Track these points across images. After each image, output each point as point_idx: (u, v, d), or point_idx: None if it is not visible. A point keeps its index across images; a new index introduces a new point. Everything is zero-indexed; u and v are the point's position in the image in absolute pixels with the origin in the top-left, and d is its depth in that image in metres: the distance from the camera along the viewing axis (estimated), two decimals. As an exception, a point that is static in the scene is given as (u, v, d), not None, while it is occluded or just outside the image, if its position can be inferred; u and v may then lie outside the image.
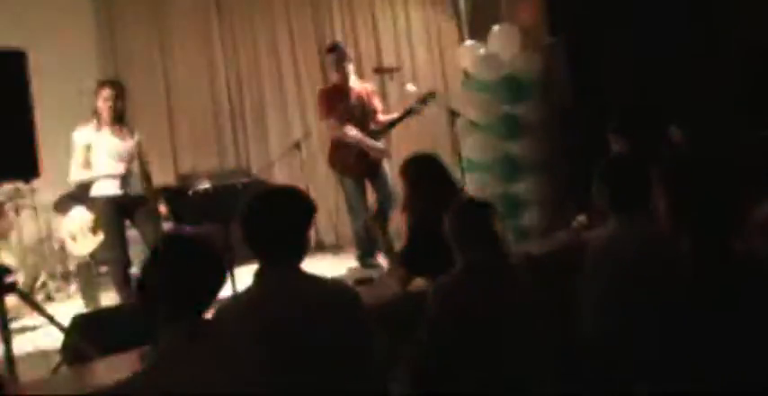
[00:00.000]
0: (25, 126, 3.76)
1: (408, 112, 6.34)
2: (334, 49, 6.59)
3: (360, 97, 6.47)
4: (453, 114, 6.14)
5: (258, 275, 2.64)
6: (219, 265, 2.36)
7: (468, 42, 7.70)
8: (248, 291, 2.64)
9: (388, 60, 8.93)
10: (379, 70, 7.59)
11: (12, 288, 3.87)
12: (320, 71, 8.69)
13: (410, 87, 6.63)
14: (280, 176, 8.41)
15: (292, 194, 2.76)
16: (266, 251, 2.62)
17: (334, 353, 2.55)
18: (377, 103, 6.61)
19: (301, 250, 2.67)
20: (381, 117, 6.54)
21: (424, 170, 4.06)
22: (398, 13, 9.13)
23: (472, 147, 7.05)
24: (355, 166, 6.39)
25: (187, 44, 8.73)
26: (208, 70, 8.82)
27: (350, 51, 6.80)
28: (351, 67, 6.50)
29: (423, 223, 3.81)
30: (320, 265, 6.44)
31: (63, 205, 6.79)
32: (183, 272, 2.29)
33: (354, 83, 6.52)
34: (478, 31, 7.80)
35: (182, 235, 2.51)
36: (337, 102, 6.37)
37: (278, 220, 2.62)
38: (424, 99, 6.26)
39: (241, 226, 2.65)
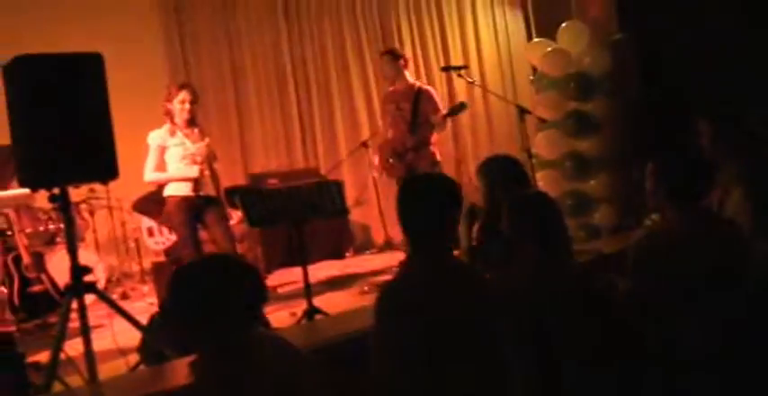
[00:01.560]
0: (103, 128, 3.84)
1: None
2: (381, 55, 6.94)
3: (410, 100, 6.63)
4: (522, 112, 6.09)
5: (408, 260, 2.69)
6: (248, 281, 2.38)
7: (537, 39, 7.64)
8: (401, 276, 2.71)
9: (456, 58, 8.92)
10: (447, 68, 7.61)
11: (91, 287, 3.95)
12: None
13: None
14: (348, 176, 8.46)
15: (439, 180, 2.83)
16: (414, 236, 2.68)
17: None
18: (430, 105, 6.67)
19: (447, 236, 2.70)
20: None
21: (501, 171, 4.04)
22: (465, 11, 9.10)
23: (542, 144, 7.00)
24: (393, 168, 6.71)
25: (256, 48, 8.83)
26: (276, 72, 8.90)
27: (407, 52, 6.95)
28: (400, 71, 6.72)
29: (497, 224, 3.79)
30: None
31: (142, 205, 6.93)
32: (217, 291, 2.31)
33: (406, 85, 6.70)
34: (546, 28, 7.75)
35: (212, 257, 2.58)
36: (386, 105, 6.80)
37: (424, 206, 2.65)
38: (453, 111, 6.55)
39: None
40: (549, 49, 7.13)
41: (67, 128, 3.72)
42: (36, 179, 3.78)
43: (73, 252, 3.85)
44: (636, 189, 6.59)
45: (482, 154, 8.44)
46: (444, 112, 6.55)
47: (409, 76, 6.88)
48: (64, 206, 3.84)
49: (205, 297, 2.27)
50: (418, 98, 6.67)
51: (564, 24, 7.19)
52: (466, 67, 7.66)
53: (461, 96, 8.70)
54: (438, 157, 6.76)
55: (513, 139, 8.29)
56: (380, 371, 2.51)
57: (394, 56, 6.82)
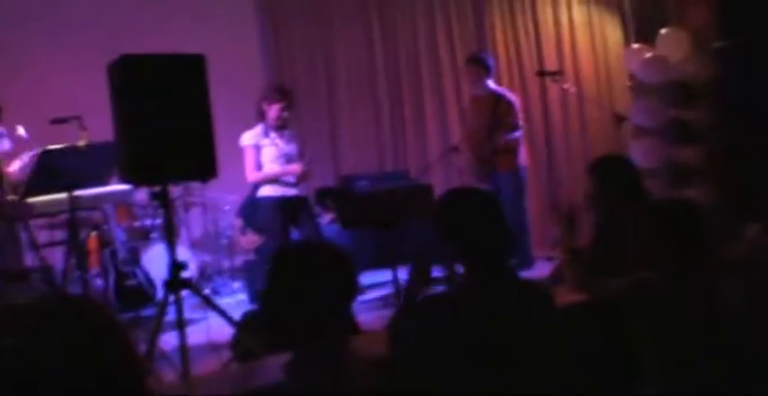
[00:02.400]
0: (204, 128, 3.90)
1: None
2: (465, 63, 7.22)
3: (490, 107, 6.82)
4: (619, 118, 5.98)
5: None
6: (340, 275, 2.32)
7: (635, 45, 7.50)
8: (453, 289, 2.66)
9: (550, 62, 8.81)
10: (542, 73, 7.52)
11: (187, 283, 4.01)
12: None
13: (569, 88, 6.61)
14: (437, 179, 8.42)
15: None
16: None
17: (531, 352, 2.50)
18: (509, 113, 6.81)
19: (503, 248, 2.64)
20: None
21: (614, 170, 3.94)
22: (561, 15, 8.97)
23: (639, 152, 6.86)
24: (479, 173, 7.02)
25: (349, 48, 8.86)
26: (368, 72, 8.91)
27: (500, 54, 6.98)
28: (482, 79, 6.92)
29: (609, 223, 3.71)
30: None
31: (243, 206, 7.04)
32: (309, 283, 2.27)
33: (487, 92, 6.90)
34: (644, 34, 7.60)
35: (302, 246, 2.53)
36: (468, 111, 7.22)
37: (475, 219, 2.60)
38: None
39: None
40: (648, 55, 6.99)
41: (169, 127, 3.79)
42: (138, 176, 3.86)
43: (171, 248, 3.92)
44: (735, 199, 6.47)
45: (576, 161, 8.32)
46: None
47: (492, 83, 6.98)
48: (164, 203, 3.91)
49: (306, 279, 2.23)
50: (498, 105, 6.80)
51: (664, 31, 7.04)
52: (561, 72, 7.56)
53: (555, 101, 8.59)
54: (521, 163, 6.84)
55: (609, 146, 8.13)
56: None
57: (477, 64, 6.97)
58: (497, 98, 6.87)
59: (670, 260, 2.85)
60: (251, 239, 7.48)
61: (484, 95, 6.93)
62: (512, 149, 6.83)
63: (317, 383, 2.16)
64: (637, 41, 7.70)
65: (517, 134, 6.87)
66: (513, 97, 7.03)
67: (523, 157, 7.02)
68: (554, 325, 2.55)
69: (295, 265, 2.25)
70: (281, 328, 2.23)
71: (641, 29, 8.02)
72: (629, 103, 7.70)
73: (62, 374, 1.71)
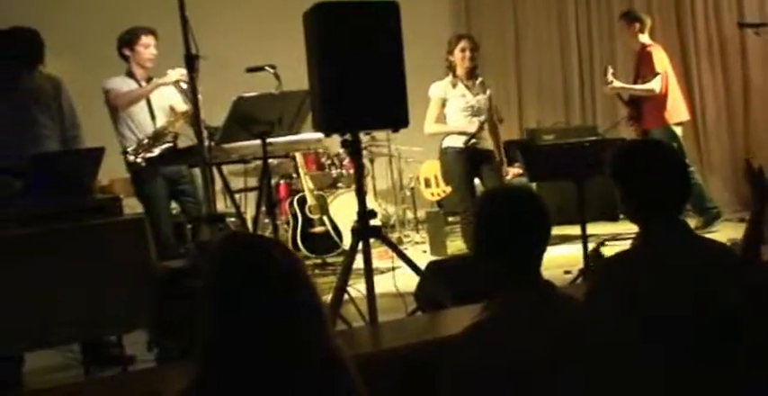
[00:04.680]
0: (397, 76, 3.87)
1: None
2: (618, 19, 7.17)
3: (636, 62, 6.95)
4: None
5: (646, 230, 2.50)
6: (540, 224, 2.22)
7: None
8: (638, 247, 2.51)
9: (751, 13, 8.25)
10: (743, 25, 7.09)
11: (377, 231, 4.04)
12: (676, 27, 8.23)
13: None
14: (628, 136, 8.12)
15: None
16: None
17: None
18: (647, 66, 6.78)
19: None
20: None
21: None
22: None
23: None
24: None
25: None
26: (558, 26, 8.68)
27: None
28: (634, 35, 6.87)
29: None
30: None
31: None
32: (502, 225, 2.18)
33: (640, 47, 6.90)
34: None
35: (503, 191, 2.43)
36: None
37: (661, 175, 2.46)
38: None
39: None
40: None
41: (363, 75, 3.78)
42: (331, 124, 3.89)
43: (361, 196, 3.94)
44: None
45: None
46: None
47: (644, 37, 6.88)
48: (355, 151, 3.93)
49: (520, 222, 2.16)
50: (640, 58, 6.81)
51: None
52: (764, 24, 7.09)
53: (755, 55, 8.05)
54: (671, 120, 6.72)
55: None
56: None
57: (627, 20, 6.90)
58: (641, 51, 6.84)
59: None
60: (435, 192, 7.49)
61: (638, 51, 6.90)
62: (657, 105, 6.61)
63: (527, 320, 2.09)
64: None
65: (650, 86, 6.69)
66: (652, 49, 6.85)
67: (675, 113, 6.74)
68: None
69: (502, 209, 2.20)
70: (491, 272, 2.18)
71: None
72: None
73: (247, 313, 1.75)
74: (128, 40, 5.36)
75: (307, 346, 1.77)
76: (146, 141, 5.19)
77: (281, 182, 7.04)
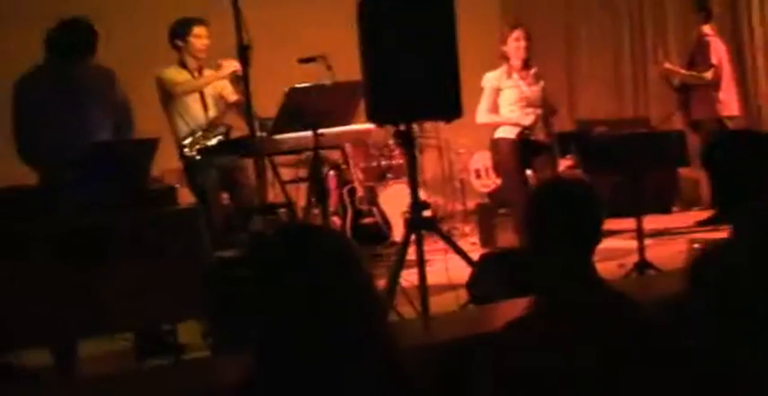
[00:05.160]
0: (451, 66, 3.85)
1: None
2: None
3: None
4: None
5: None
6: (594, 216, 2.16)
7: None
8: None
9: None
10: None
11: (429, 223, 4.02)
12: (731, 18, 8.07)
13: None
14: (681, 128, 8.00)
15: None
16: None
17: None
18: (701, 55, 6.75)
19: None
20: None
21: None
22: None
23: None
24: None
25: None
26: (611, 15, 8.56)
27: None
28: (699, 24, 6.85)
29: None
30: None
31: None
32: (557, 218, 2.13)
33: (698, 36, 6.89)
34: None
35: (557, 183, 2.38)
36: None
37: None
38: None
39: None
40: None
41: (417, 65, 3.76)
42: (384, 115, 3.87)
43: (414, 188, 3.93)
44: None
45: None
46: None
47: (706, 28, 6.83)
48: (408, 142, 3.91)
49: (574, 214, 2.11)
50: (697, 47, 6.77)
51: None
52: None
53: None
54: (723, 113, 6.66)
55: None
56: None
57: (697, 6, 6.89)
58: (697, 41, 6.82)
59: None
60: (485, 183, 7.45)
61: (694, 39, 6.89)
62: (708, 95, 6.63)
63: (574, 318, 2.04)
64: None
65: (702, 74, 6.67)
66: (711, 39, 6.79)
67: (727, 106, 6.63)
68: None
69: (556, 201, 2.15)
70: (543, 265, 2.14)
71: None
72: None
73: (303, 303, 1.73)
74: (180, 31, 5.38)
75: (364, 336, 1.75)
76: (199, 134, 5.22)
77: (331, 173, 7.04)
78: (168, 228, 3.85)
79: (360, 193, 6.61)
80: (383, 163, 7.13)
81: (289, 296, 1.73)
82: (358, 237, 6.52)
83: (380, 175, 7.14)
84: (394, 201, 6.61)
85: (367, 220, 6.57)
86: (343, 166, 6.84)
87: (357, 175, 6.69)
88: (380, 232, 6.56)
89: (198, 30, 5.36)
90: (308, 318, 1.71)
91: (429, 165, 7.77)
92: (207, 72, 5.41)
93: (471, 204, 7.56)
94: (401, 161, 7.06)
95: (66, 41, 4.37)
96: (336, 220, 6.61)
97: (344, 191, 6.64)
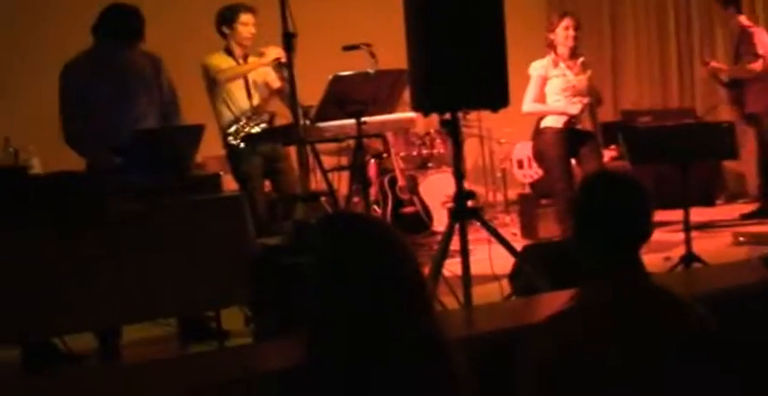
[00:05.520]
0: (498, 55, 3.80)
1: None
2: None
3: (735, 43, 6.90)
4: None
5: None
6: (641, 210, 2.11)
7: None
8: None
9: None
10: None
11: (474, 213, 4.00)
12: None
13: None
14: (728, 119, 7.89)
15: None
16: None
17: None
18: (747, 45, 6.67)
19: None
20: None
21: None
22: None
23: None
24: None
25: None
26: (657, 5, 8.46)
27: None
28: (732, 16, 6.83)
29: None
30: None
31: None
32: (608, 211, 2.09)
33: (739, 28, 6.82)
34: None
35: (603, 175, 2.33)
36: None
37: None
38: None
39: None
40: None
41: (464, 54, 3.72)
42: (430, 103, 3.84)
43: (459, 177, 3.90)
44: None
45: None
46: None
47: (743, 18, 6.79)
48: (454, 131, 3.88)
49: (620, 208, 2.07)
50: (740, 39, 6.71)
51: None
52: None
53: None
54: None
55: None
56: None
57: (722, 3, 6.86)
58: (740, 32, 6.75)
59: None
60: (527, 173, 7.40)
61: (737, 32, 6.81)
62: (763, 87, 6.55)
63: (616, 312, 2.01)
64: None
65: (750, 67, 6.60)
66: (755, 30, 6.73)
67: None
68: None
69: (601, 194, 2.12)
70: (588, 258, 2.10)
71: None
72: None
73: (356, 290, 1.72)
74: (227, 18, 5.36)
75: (412, 324, 1.74)
76: (243, 121, 5.23)
77: (372, 161, 7.03)
78: (213, 215, 3.85)
79: (401, 182, 6.58)
80: (424, 152, 7.10)
81: (340, 285, 1.72)
82: (398, 226, 6.49)
83: (421, 164, 7.11)
84: (434, 190, 6.60)
85: (408, 210, 6.55)
86: (384, 155, 6.82)
87: (398, 163, 6.67)
88: (421, 221, 6.54)
89: (245, 17, 5.34)
90: (359, 306, 1.70)
91: (470, 154, 7.71)
92: (251, 59, 5.40)
93: (512, 194, 7.51)
94: (442, 150, 7.04)
95: (115, 26, 4.38)
96: (376, 208, 6.60)
97: (385, 179, 6.63)
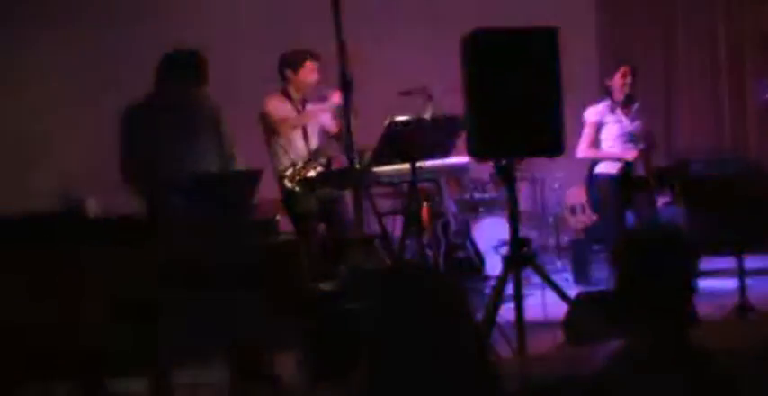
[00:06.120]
0: (554, 103, 3.83)
1: None
2: None
3: None
4: None
5: None
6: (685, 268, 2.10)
7: None
8: None
9: None
10: None
11: (529, 259, 3.99)
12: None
13: None
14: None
15: None
16: None
17: None
18: None
19: None
20: None
21: None
22: None
23: None
24: None
25: (688, 17, 8.41)
26: (709, 43, 8.42)
27: None
28: None
29: None
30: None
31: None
32: (656, 263, 2.08)
33: None
34: None
35: (646, 230, 2.33)
36: None
37: None
38: None
39: None
40: None
41: (519, 101, 3.76)
42: (485, 150, 3.87)
43: (514, 224, 3.91)
44: None
45: None
46: None
47: None
48: (508, 179, 3.90)
49: (663, 265, 2.07)
50: None
51: None
52: None
53: None
54: None
55: None
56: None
57: None
58: None
59: None
60: (580, 219, 7.35)
61: None
62: None
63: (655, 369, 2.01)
64: None
65: None
66: None
67: None
68: None
69: (641, 250, 2.12)
70: (631, 310, 2.11)
71: None
72: None
73: (411, 346, 1.73)
74: (292, 63, 5.38)
75: (469, 377, 1.75)
76: (300, 165, 5.25)
77: (424, 205, 7.03)
78: (270, 258, 3.89)
79: (454, 226, 6.59)
80: (476, 196, 7.10)
81: (401, 338, 1.74)
82: (450, 270, 6.49)
83: (473, 208, 7.11)
84: (487, 234, 6.58)
85: (460, 254, 6.54)
86: (437, 199, 6.84)
87: (451, 207, 6.67)
88: (473, 266, 6.52)
89: (310, 64, 5.36)
90: (416, 362, 1.72)
91: (522, 198, 7.69)
92: (309, 105, 5.46)
93: (564, 239, 7.46)
94: (494, 194, 7.03)
95: (181, 69, 4.46)
96: (429, 252, 6.60)
97: (438, 224, 6.63)
